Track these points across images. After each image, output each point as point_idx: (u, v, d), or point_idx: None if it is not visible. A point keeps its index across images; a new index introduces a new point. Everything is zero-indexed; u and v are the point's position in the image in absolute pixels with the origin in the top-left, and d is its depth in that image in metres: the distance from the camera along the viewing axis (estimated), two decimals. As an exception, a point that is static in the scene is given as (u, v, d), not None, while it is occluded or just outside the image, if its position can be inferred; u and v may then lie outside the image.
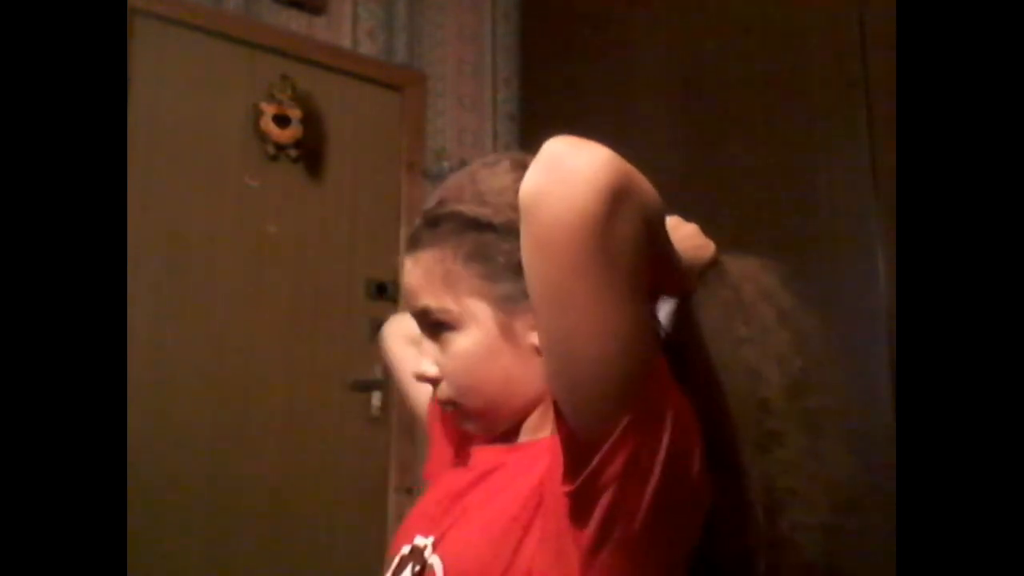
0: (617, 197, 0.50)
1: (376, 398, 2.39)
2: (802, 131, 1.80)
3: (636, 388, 0.54)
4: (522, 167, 0.58)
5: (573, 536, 0.57)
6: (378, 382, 2.39)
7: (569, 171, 0.50)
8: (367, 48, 2.57)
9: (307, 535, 2.21)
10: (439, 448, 0.89)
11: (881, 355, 1.57)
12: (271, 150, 2.29)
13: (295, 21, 2.42)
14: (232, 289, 2.21)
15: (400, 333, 1.06)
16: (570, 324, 0.52)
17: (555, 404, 0.57)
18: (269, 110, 2.28)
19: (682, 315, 0.67)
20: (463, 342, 0.71)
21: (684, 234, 0.69)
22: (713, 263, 0.70)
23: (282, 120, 2.29)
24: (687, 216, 0.72)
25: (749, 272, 0.71)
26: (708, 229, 0.72)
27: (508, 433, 0.74)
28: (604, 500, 0.55)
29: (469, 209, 0.71)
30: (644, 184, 0.54)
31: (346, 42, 2.53)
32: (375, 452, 2.39)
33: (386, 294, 2.41)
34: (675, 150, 2.05)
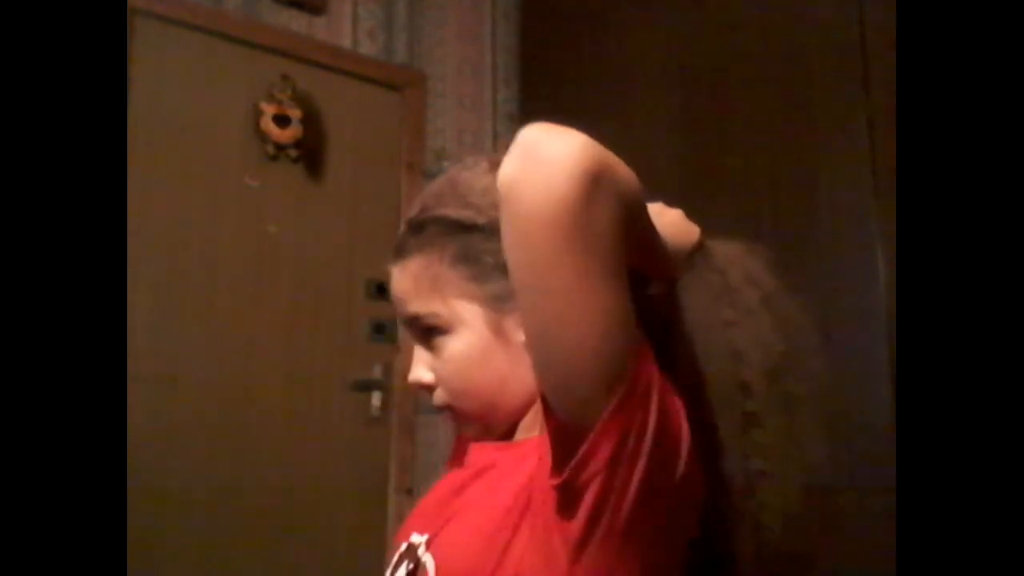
0: (593, 182, 0.51)
1: (376, 398, 2.39)
2: (802, 130, 1.80)
3: (619, 372, 0.54)
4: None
5: (561, 530, 0.57)
6: (378, 382, 2.39)
7: (544, 157, 0.51)
8: (367, 48, 2.57)
9: (307, 535, 2.21)
10: None
11: (881, 355, 1.58)
12: (271, 150, 2.29)
13: (295, 21, 2.42)
14: (232, 289, 2.21)
15: None
16: (550, 310, 0.53)
17: (542, 396, 0.57)
18: (269, 110, 2.28)
19: (668, 299, 0.67)
20: (456, 345, 0.71)
21: (669, 219, 0.69)
22: (699, 247, 0.70)
23: (282, 120, 2.29)
24: (687, 215, 0.72)
25: (734, 256, 0.71)
26: (708, 229, 0.72)
27: (506, 434, 0.74)
28: (592, 490, 0.55)
29: (453, 212, 0.71)
30: (621, 169, 0.55)
31: (346, 42, 2.53)
32: (375, 452, 2.39)
33: (386, 294, 2.41)
34: (675, 150, 2.06)
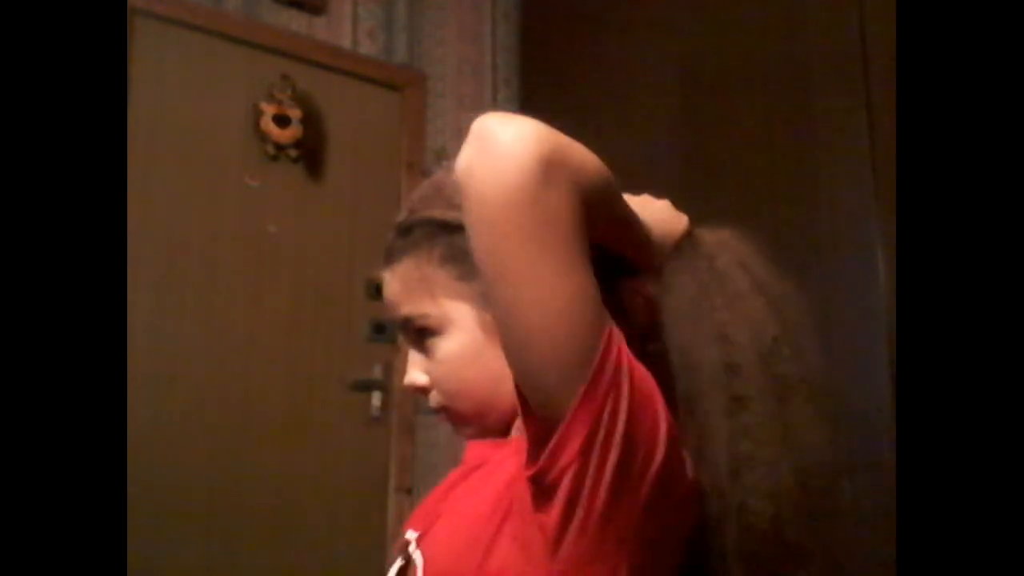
0: (544, 167, 0.52)
1: (376, 398, 2.39)
2: (802, 131, 1.80)
3: (584, 357, 0.54)
4: None
5: (538, 522, 0.57)
6: (378, 382, 2.39)
7: (495, 145, 0.52)
8: (367, 48, 2.57)
9: (307, 535, 2.21)
10: None
11: (881, 355, 1.58)
12: (271, 150, 2.29)
13: (295, 21, 2.42)
14: (232, 289, 2.21)
15: None
16: (510, 295, 0.53)
17: (516, 386, 0.57)
18: (269, 110, 2.28)
19: (656, 286, 0.67)
20: (448, 345, 0.72)
21: (656, 208, 0.70)
22: (687, 235, 0.70)
23: (282, 120, 2.29)
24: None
25: (724, 242, 0.71)
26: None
27: (503, 433, 0.74)
28: (565, 481, 0.55)
29: (439, 213, 0.72)
30: (579, 154, 0.56)
31: (346, 42, 2.53)
32: (375, 452, 2.39)
33: (386, 294, 2.41)
34: (675, 150, 2.06)
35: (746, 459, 0.61)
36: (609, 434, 0.54)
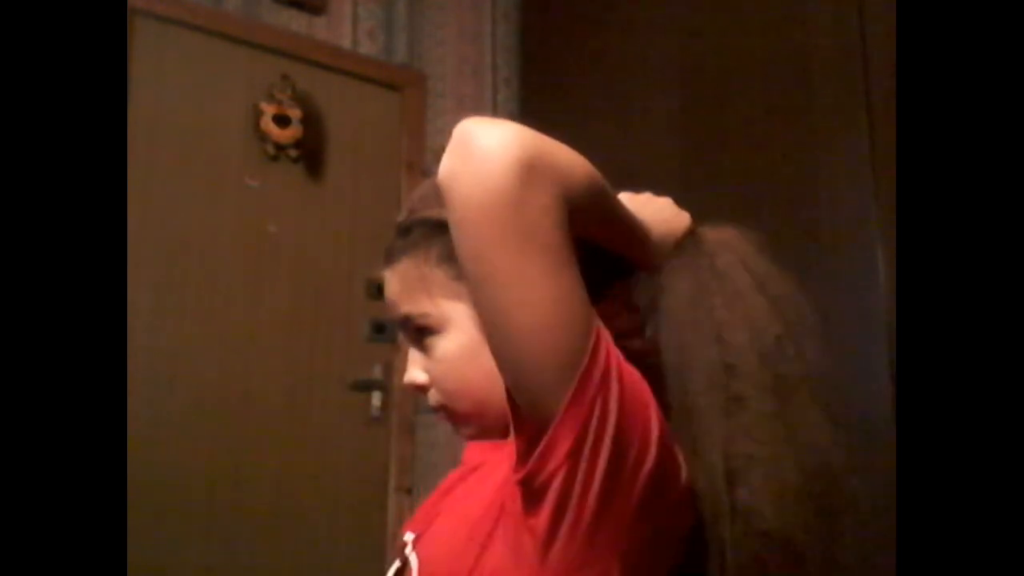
0: (526, 170, 0.52)
1: (376, 398, 2.39)
2: (802, 130, 1.80)
3: (571, 359, 0.53)
4: None
5: (528, 526, 0.57)
6: (378, 382, 2.39)
7: (477, 149, 0.52)
8: (367, 48, 2.57)
9: (307, 535, 2.21)
10: None
11: (881, 355, 1.57)
12: (271, 150, 2.29)
13: (295, 21, 2.42)
14: (232, 289, 2.21)
15: None
16: (494, 298, 0.53)
17: (507, 390, 0.57)
18: (269, 110, 2.28)
19: (655, 285, 0.67)
20: (447, 344, 0.72)
21: (656, 207, 0.70)
22: (689, 233, 0.70)
23: (282, 120, 2.29)
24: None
25: (726, 241, 0.71)
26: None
27: (502, 434, 0.74)
28: (555, 484, 0.54)
29: (437, 213, 0.72)
30: (563, 156, 0.56)
31: (346, 42, 2.53)
32: (375, 452, 2.39)
33: (386, 294, 2.42)
34: (675, 150, 2.06)
35: (745, 459, 0.61)
36: (599, 436, 0.54)
